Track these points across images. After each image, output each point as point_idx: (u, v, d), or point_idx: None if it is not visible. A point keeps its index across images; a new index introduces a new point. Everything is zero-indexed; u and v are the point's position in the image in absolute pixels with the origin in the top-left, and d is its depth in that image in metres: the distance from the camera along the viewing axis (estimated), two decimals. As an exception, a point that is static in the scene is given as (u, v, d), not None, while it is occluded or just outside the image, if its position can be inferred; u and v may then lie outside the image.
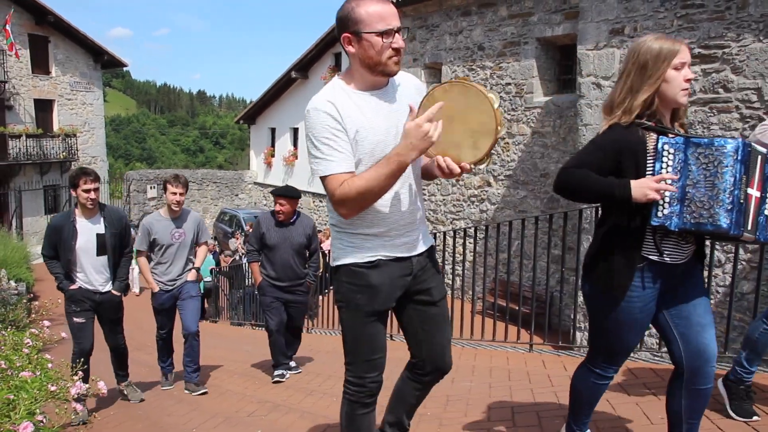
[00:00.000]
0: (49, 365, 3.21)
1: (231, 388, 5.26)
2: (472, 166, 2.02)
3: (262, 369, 5.87)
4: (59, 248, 4.53)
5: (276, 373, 5.29)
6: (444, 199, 13.85)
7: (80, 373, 2.86)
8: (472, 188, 13.24)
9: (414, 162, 2.03)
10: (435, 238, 7.38)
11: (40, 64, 22.24)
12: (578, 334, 7.67)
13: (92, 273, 4.62)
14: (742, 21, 6.62)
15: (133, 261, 5.46)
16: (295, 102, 21.50)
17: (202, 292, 12.33)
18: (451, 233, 6.80)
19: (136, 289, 15.85)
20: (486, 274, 5.86)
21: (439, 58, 13.96)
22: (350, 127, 2.06)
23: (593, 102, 8.06)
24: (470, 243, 6.26)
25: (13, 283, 11.05)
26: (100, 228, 4.60)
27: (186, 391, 5.19)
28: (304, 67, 20.22)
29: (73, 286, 4.57)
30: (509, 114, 12.21)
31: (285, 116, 22.44)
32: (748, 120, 6.66)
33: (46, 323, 3.92)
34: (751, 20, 6.56)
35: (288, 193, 5.29)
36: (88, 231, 4.55)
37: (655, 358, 4.44)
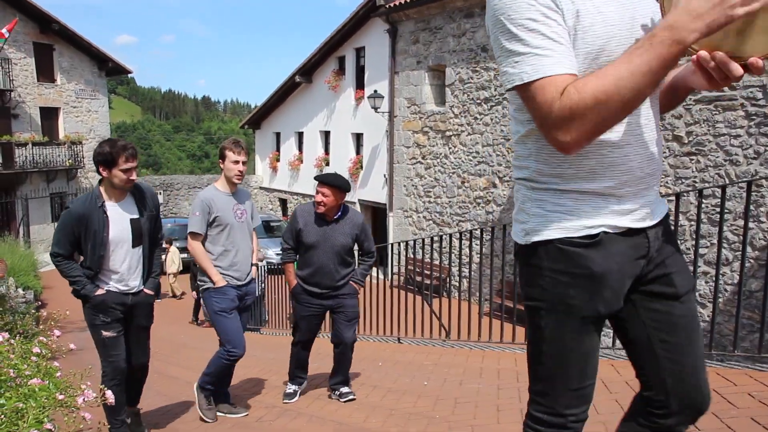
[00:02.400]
0: (58, 374, 3.22)
1: (239, 393, 5.26)
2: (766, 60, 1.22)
3: (270, 374, 5.86)
4: (84, 244, 3.51)
5: (288, 390, 4.61)
6: (450, 201, 13.83)
7: (88, 382, 2.86)
8: (478, 190, 13.22)
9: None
10: (441, 240, 7.36)
11: (45, 72, 22.38)
12: (586, 335, 7.63)
13: (127, 270, 3.65)
14: (746, 18, 6.59)
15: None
16: (299, 106, 21.53)
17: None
18: (458, 235, 6.78)
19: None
20: (493, 276, 5.84)
21: (442, 60, 13.96)
22: (568, 8, 1.29)
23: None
24: (477, 245, 6.26)
25: (21, 291, 11.10)
26: (134, 211, 3.63)
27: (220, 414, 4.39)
28: (308, 71, 20.25)
29: (100, 291, 3.54)
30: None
31: (290, 120, 22.47)
32: (754, 117, 6.62)
33: (56, 332, 3.93)
34: (756, 17, 6.52)
35: (334, 182, 4.17)
36: (120, 217, 3.58)
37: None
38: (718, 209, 6.18)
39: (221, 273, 4.07)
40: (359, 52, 18.17)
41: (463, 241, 6.93)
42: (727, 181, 6.82)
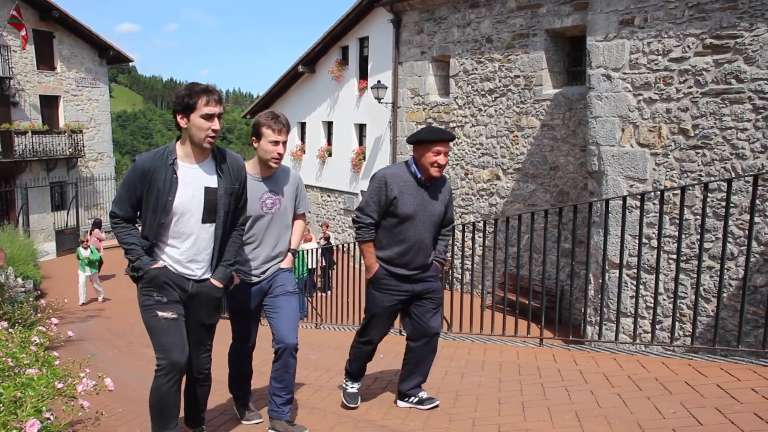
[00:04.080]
0: (56, 363, 3.20)
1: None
2: None
3: (268, 363, 5.84)
4: (145, 206, 2.89)
5: (350, 389, 3.88)
6: (453, 193, 13.79)
7: (87, 370, 2.85)
8: (482, 182, 13.17)
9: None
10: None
11: (45, 60, 22.28)
12: (589, 328, 7.62)
13: (190, 249, 2.94)
14: (755, 10, 6.52)
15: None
16: (302, 96, 21.46)
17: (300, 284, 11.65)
18: (461, 227, 6.75)
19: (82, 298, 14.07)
20: (496, 269, 5.81)
21: (447, 50, 13.88)
22: None
23: (603, 94, 7.97)
24: (480, 237, 6.22)
25: (20, 281, 11.10)
26: (212, 179, 2.94)
27: None
28: (311, 61, 20.14)
29: (156, 264, 2.91)
30: (518, 107, 12.13)
31: (292, 110, 22.39)
32: (761, 111, 6.57)
33: (54, 321, 3.91)
34: (765, 9, 6.45)
35: (452, 137, 3.54)
36: (194, 182, 2.90)
37: (667, 352, 4.38)
38: (723, 203, 6.12)
39: (240, 269, 3.47)
40: (363, 42, 18.07)
41: (465, 233, 6.90)
42: (733, 175, 6.76)
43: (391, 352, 5.40)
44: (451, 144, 3.54)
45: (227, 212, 2.98)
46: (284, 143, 3.36)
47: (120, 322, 11.87)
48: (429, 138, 3.43)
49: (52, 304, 3.47)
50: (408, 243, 3.53)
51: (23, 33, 19.91)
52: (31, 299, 8.02)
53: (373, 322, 3.67)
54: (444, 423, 3.38)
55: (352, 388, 3.87)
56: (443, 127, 14.13)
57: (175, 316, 2.91)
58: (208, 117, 2.79)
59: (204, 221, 2.92)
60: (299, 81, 21.38)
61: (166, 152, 2.89)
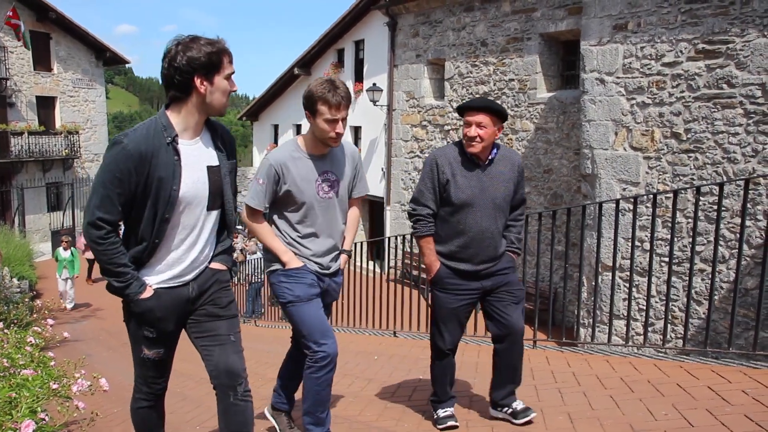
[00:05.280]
0: (52, 363, 3.21)
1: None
2: None
3: (266, 366, 5.86)
4: (141, 199, 2.24)
5: (442, 413, 3.26)
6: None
7: (82, 371, 2.86)
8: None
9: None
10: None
11: (41, 61, 22.25)
12: (582, 330, 7.65)
13: (196, 248, 2.39)
14: (747, 16, 6.58)
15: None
16: (297, 99, 21.39)
17: None
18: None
19: (68, 305, 13.27)
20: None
21: (442, 54, 13.92)
22: None
23: (597, 98, 8.02)
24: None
25: (15, 281, 11.07)
26: (212, 155, 2.38)
27: None
28: (307, 63, 20.16)
29: (147, 293, 2.30)
30: (512, 110, 12.18)
31: (288, 113, 22.39)
32: (753, 115, 6.62)
33: (50, 321, 3.92)
34: (756, 15, 6.52)
35: (490, 105, 3.00)
36: (196, 162, 2.32)
37: (659, 353, 4.42)
38: (715, 207, 6.17)
39: (298, 257, 2.90)
40: (358, 45, 18.11)
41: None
42: (725, 179, 6.82)
43: (384, 354, 5.41)
44: (484, 116, 2.94)
45: (232, 194, 2.48)
46: (344, 120, 2.75)
47: (115, 322, 11.84)
48: (460, 107, 3.04)
49: (47, 304, 3.48)
50: (469, 234, 3.02)
51: (19, 30, 19.80)
52: (26, 300, 8.01)
53: (442, 328, 3.16)
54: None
55: (445, 411, 3.27)
56: (437, 129, 14.17)
57: (159, 356, 2.47)
58: (230, 78, 2.30)
59: (209, 208, 2.38)
60: (295, 83, 21.40)
61: (158, 128, 2.24)
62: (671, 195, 5.68)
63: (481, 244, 3.04)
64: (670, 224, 4.64)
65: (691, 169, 7.22)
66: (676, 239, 7.16)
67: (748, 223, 6.53)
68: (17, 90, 21.33)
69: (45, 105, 22.54)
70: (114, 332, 10.81)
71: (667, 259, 6.12)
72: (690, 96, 7.15)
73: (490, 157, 3.05)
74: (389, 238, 9.57)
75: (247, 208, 2.90)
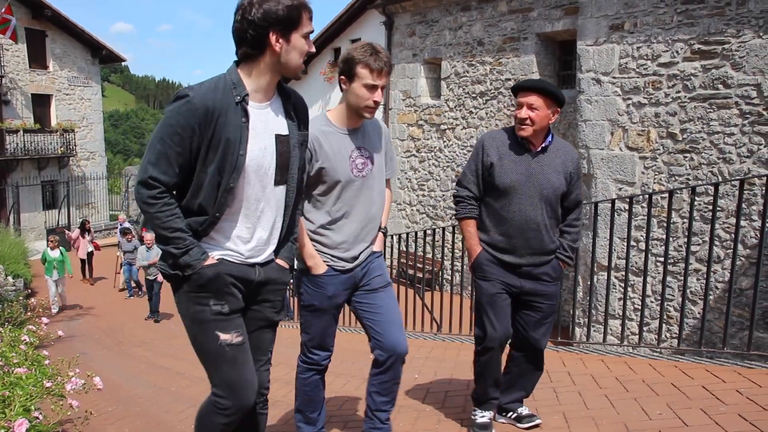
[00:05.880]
0: (46, 362, 3.20)
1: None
2: None
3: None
4: (203, 162, 1.98)
5: (480, 419, 3.09)
6: (443, 195, 13.83)
7: (77, 369, 2.84)
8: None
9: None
10: (434, 233, 7.34)
11: (37, 59, 22.18)
12: (577, 330, 7.66)
13: (263, 226, 2.14)
14: (742, 17, 6.60)
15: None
16: (293, 97, 21.47)
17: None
18: (451, 229, 6.78)
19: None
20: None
21: (438, 53, 13.92)
22: None
23: (593, 98, 8.03)
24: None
25: (10, 279, 11.04)
26: (282, 123, 2.13)
27: None
28: (304, 62, 20.19)
29: (211, 260, 2.04)
30: (509, 110, 12.19)
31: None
32: (748, 116, 6.64)
33: (44, 320, 3.91)
34: (751, 16, 6.53)
35: (546, 87, 2.81)
36: (264, 128, 2.08)
37: (654, 353, 4.43)
38: (710, 207, 6.19)
39: (321, 254, 2.64)
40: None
41: (456, 235, 6.93)
42: (720, 179, 6.84)
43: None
44: (537, 98, 2.75)
45: (300, 168, 2.19)
46: (383, 88, 2.53)
47: (110, 321, 11.82)
48: (513, 88, 2.87)
49: (42, 303, 3.47)
50: (513, 222, 2.83)
51: (10, 33, 19.66)
52: (21, 298, 7.99)
53: (485, 318, 2.91)
54: (433, 424, 3.40)
55: (482, 417, 3.07)
56: (433, 128, 14.17)
57: (241, 338, 2.09)
58: (307, 36, 2.07)
59: (276, 183, 2.12)
60: (291, 82, 21.38)
61: (227, 84, 2.00)
62: (667, 195, 5.69)
63: (525, 235, 2.83)
64: (665, 224, 4.65)
65: (686, 169, 7.24)
66: (671, 239, 7.18)
67: (743, 223, 6.55)
68: (13, 87, 21.25)
69: (41, 103, 22.46)
70: (108, 331, 10.80)
71: (662, 259, 6.13)
72: (686, 96, 7.17)
73: (543, 145, 2.88)
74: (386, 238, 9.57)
75: None
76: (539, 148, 2.86)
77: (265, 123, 2.06)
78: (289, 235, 2.23)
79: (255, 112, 2.03)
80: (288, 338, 6.68)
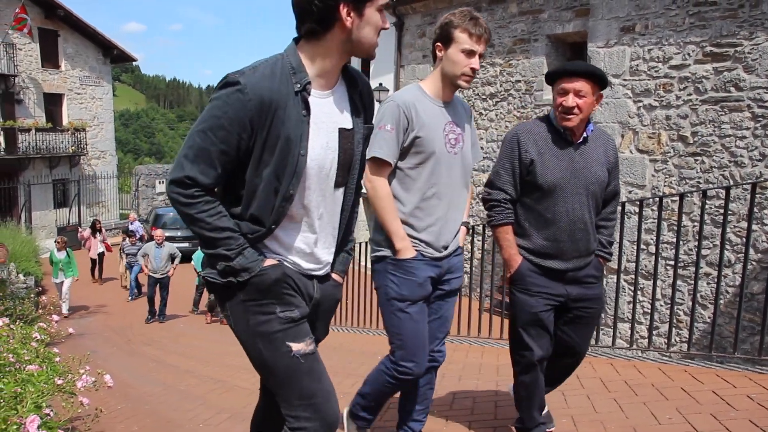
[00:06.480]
0: (57, 359, 3.23)
1: (238, 383, 5.27)
2: None
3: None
4: (255, 163, 1.68)
5: None
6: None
7: (87, 367, 2.86)
8: (481, 185, 13.20)
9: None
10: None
11: (49, 58, 22.37)
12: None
13: (321, 234, 1.85)
14: (755, 19, 6.55)
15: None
16: (303, 98, 21.51)
17: None
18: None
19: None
20: (494, 272, 5.83)
21: (448, 54, 13.92)
22: None
23: (603, 100, 8.01)
24: (478, 240, 6.24)
25: (21, 277, 11.12)
26: (345, 115, 1.81)
27: None
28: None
29: (270, 261, 1.74)
30: (519, 111, 12.16)
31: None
32: (760, 119, 6.60)
33: (55, 317, 3.94)
34: (764, 18, 6.49)
35: (594, 71, 2.49)
36: (327, 121, 1.77)
37: (663, 357, 4.40)
38: (721, 210, 6.16)
39: (411, 237, 2.41)
40: (365, 45, 18.13)
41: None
42: (732, 183, 6.79)
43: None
44: (584, 83, 2.45)
45: (362, 168, 1.92)
46: (481, 56, 2.41)
47: (120, 319, 11.89)
48: (551, 73, 2.54)
49: (53, 300, 3.49)
50: (559, 224, 2.53)
51: (28, 30, 19.92)
52: (32, 296, 8.05)
53: (525, 336, 2.61)
54: (441, 425, 3.40)
55: None
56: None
57: (314, 345, 1.79)
58: (383, 10, 1.75)
59: (337, 185, 1.82)
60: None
61: (285, 68, 1.67)
62: (677, 198, 5.67)
63: (573, 236, 2.54)
64: (675, 228, 4.62)
65: (697, 172, 7.19)
66: (681, 243, 7.13)
67: (754, 227, 6.51)
68: (25, 87, 21.44)
69: (52, 102, 22.64)
70: (118, 329, 10.86)
71: (672, 263, 6.10)
72: (697, 99, 7.13)
73: (584, 135, 2.56)
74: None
75: (372, 163, 2.36)
76: (581, 139, 2.56)
77: (328, 115, 1.75)
78: (343, 244, 1.95)
79: (317, 101, 1.72)
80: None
